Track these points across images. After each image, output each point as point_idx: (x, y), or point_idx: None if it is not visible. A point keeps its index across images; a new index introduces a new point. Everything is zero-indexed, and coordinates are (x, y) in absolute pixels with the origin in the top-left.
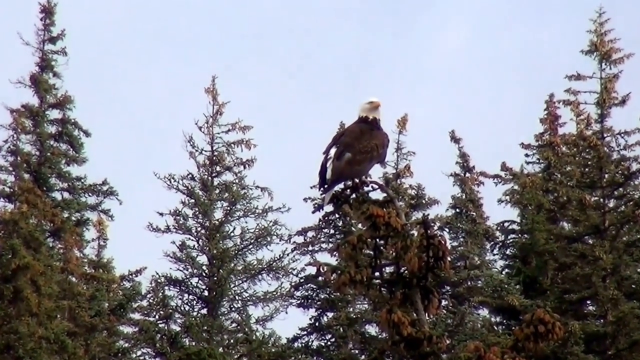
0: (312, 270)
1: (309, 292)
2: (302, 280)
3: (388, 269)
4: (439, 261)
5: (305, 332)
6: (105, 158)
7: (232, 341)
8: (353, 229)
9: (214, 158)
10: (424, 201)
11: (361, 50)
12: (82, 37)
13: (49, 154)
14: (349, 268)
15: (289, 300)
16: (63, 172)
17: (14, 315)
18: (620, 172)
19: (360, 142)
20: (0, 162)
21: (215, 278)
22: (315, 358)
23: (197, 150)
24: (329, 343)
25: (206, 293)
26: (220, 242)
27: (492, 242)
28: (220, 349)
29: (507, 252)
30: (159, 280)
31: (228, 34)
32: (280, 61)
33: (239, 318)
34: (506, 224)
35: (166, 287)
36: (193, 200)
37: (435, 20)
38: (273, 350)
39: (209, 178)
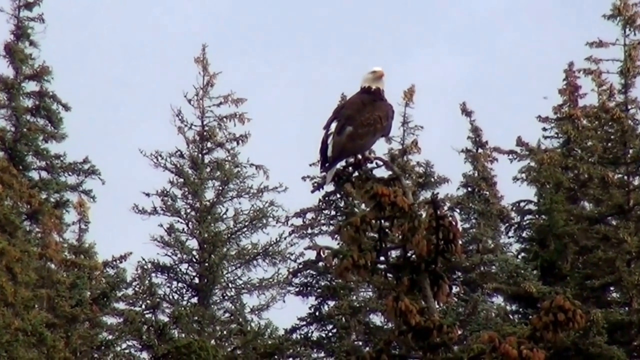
0: (311, 255)
1: (308, 278)
2: (300, 266)
3: (394, 253)
4: (449, 244)
5: (304, 323)
6: (87, 134)
7: (225, 332)
8: (356, 209)
9: (205, 133)
10: (432, 179)
11: (366, 11)
12: (60, 2)
13: (25, 129)
14: (351, 252)
15: (286, 287)
16: (41, 149)
17: None
18: None
19: (362, 115)
20: None
21: (207, 264)
22: (315, 350)
23: (186, 125)
24: (330, 334)
25: (197, 280)
26: (212, 224)
27: (507, 224)
28: (212, 341)
29: (524, 234)
30: (145, 267)
31: None
32: (276, 27)
33: (233, 307)
34: (522, 204)
35: (153, 274)
36: (182, 180)
37: None
38: (269, 342)
39: (199, 155)
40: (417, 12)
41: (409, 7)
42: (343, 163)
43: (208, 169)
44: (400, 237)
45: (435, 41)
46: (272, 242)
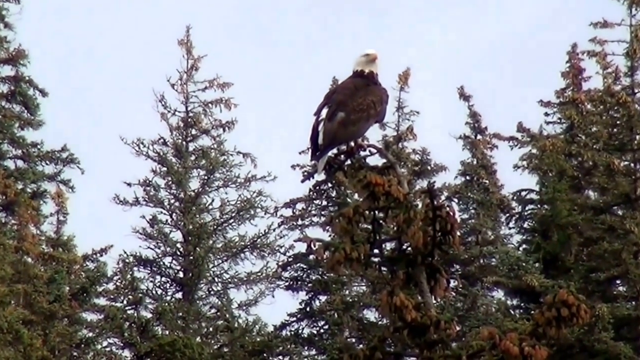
0: (302, 247)
1: (299, 272)
2: (290, 259)
3: (389, 245)
4: (446, 236)
5: (294, 319)
6: (65, 121)
7: (211, 329)
8: (348, 199)
9: (189, 120)
10: (429, 167)
11: None
12: None
13: (0, 116)
14: (344, 244)
15: (275, 282)
16: (16, 137)
17: None
18: None
19: (354, 100)
20: None
21: (192, 257)
22: (306, 348)
23: (169, 111)
24: (321, 330)
25: (181, 274)
26: (197, 216)
27: (508, 214)
28: (198, 339)
29: (525, 225)
30: (127, 260)
31: None
32: (264, 7)
33: (219, 303)
34: (523, 193)
35: (135, 268)
36: (165, 169)
37: None
38: (258, 339)
39: (184, 143)
40: None
41: None
42: (335, 151)
43: (193, 157)
44: (395, 228)
45: (430, 28)
46: (261, 234)
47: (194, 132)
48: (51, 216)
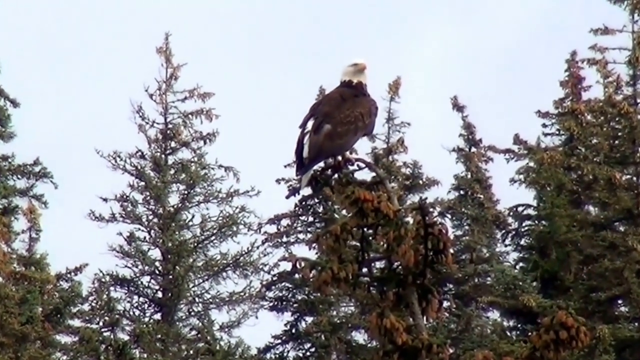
0: (287, 266)
1: (284, 292)
2: (275, 279)
3: (378, 265)
4: (439, 254)
5: (279, 341)
6: (37, 133)
7: (191, 352)
8: (336, 216)
9: (168, 132)
10: (421, 182)
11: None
12: None
13: None
14: (331, 263)
15: (259, 302)
16: None
17: None
18: None
19: (341, 111)
20: None
21: (171, 276)
22: None
23: (147, 123)
24: (308, 353)
25: (160, 294)
26: (177, 232)
27: (504, 231)
28: None
29: (522, 242)
30: (102, 280)
31: None
32: (246, 12)
33: (200, 324)
34: (520, 209)
35: (111, 288)
36: (143, 183)
37: None
38: None
39: (162, 156)
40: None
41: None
42: (321, 165)
43: (172, 171)
44: (384, 246)
45: (422, 35)
46: (244, 252)
47: (173, 144)
48: (23, 233)
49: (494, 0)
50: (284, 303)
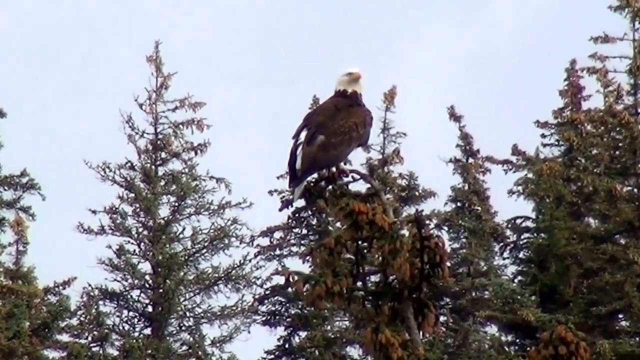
0: (280, 279)
1: (277, 306)
2: (267, 292)
3: (373, 278)
4: (435, 268)
5: (272, 356)
6: (25, 143)
7: None
8: (330, 228)
9: (158, 142)
10: (417, 193)
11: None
12: None
13: None
14: (325, 277)
15: (251, 316)
16: None
17: None
18: None
19: (335, 121)
20: None
21: (161, 290)
22: None
23: (137, 133)
24: None
25: (150, 309)
26: (167, 245)
27: (502, 243)
28: None
29: (520, 255)
30: (91, 294)
31: None
32: (238, 21)
33: (191, 339)
34: (518, 221)
35: (100, 302)
36: (133, 195)
37: None
38: None
39: (153, 167)
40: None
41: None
42: (315, 176)
43: (162, 183)
44: (380, 260)
45: (419, 44)
46: (236, 265)
47: (163, 155)
48: (10, 246)
49: (492, 8)
50: (277, 317)
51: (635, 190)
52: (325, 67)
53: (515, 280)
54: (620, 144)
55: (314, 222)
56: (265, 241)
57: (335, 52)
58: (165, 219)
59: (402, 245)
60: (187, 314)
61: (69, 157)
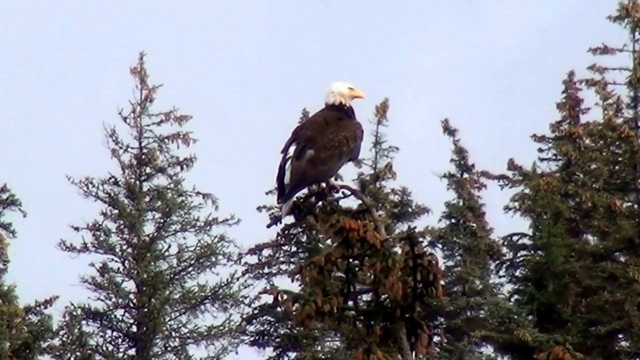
0: (268, 298)
1: (265, 326)
2: (256, 312)
3: (365, 297)
4: (429, 287)
5: None
6: (5, 158)
7: None
8: (320, 246)
9: (143, 157)
10: (410, 209)
11: (334, 20)
12: None
13: None
14: (315, 296)
15: (239, 337)
16: None
17: None
18: None
19: (325, 135)
20: None
21: (146, 309)
22: None
23: (121, 147)
24: None
25: (134, 329)
26: (152, 263)
27: (498, 261)
28: None
29: (517, 273)
30: (74, 313)
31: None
32: (226, 32)
33: None
34: (515, 238)
35: (83, 322)
36: (117, 211)
37: None
38: None
39: (137, 182)
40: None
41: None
42: (304, 192)
43: (147, 199)
44: (371, 278)
45: (411, 56)
46: (223, 284)
47: (148, 170)
48: None
49: (489, 19)
50: (266, 338)
51: (636, 206)
52: (316, 79)
53: (512, 299)
54: (619, 159)
55: (304, 239)
56: (253, 259)
57: (327, 63)
58: (150, 236)
59: (395, 263)
60: (173, 334)
61: (50, 173)
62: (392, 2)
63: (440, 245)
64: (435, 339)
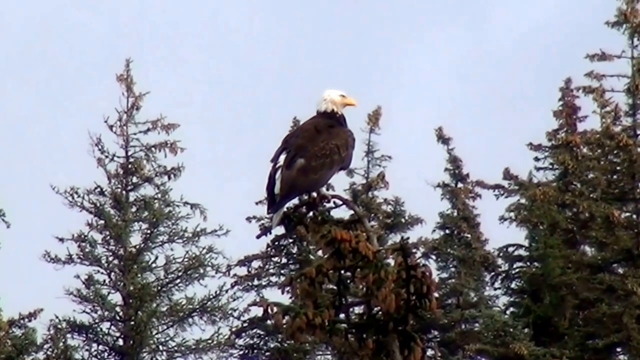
0: (258, 311)
1: (255, 339)
2: (245, 325)
3: (357, 310)
4: (422, 299)
5: None
6: None
7: None
8: (311, 257)
9: (130, 166)
10: (403, 220)
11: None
12: None
13: None
14: (305, 309)
15: (228, 350)
16: None
17: None
18: None
19: (315, 144)
20: None
21: (133, 322)
22: None
23: (107, 157)
24: None
25: (121, 342)
26: (139, 275)
27: (493, 273)
28: None
29: (513, 285)
30: (59, 326)
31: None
32: (214, 38)
33: None
34: (510, 249)
35: (68, 335)
36: (103, 222)
37: None
38: None
39: (123, 192)
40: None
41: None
42: (295, 202)
43: (134, 209)
44: (363, 290)
45: (406, 61)
46: (211, 296)
47: (135, 180)
48: None
49: (484, 26)
50: (255, 351)
51: (634, 216)
52: (307, 86)
53: (507, 312)
54: (618, 168)
55: (294, 250)
56: (242, 271)
57: (318, 70)
58: (137, 247)
59: (387, 275)
60: (160, 347)
61: (35, 182)
62: (383, 10)
63: (434, 257)
64: (429, 352)
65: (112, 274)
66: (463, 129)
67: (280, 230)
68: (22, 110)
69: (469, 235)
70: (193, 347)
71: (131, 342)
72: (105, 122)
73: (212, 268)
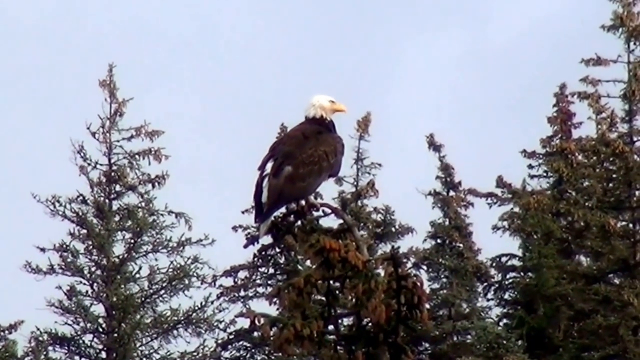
0: (245, 323)
1: (241, 352)
2: (231, 337)
3: (346, 321)
4: (413, 310)
5: None
6: None
7: None
8: (299, 267)
9: (113, 174)
10: (393, 229)
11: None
12: None
13: None
14: (293, 320)
15: None
16: None
17: None
18: None
19: (303, 151)
20: None
21: (116, 334)
22: None
23: (89, 164)
24: None
25: (104, 355)
26: (122, 286)
27: (486, 283)
28: None
29: (506, 296)
30: (40, 338)
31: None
32: (200, 43)
33: None
34: (504, 259)
35: (50, 348)
36: (85, 231)
37: None
38: None
39: (106, 201)
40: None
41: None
42: (283, 210)
43: (117, 218)
44: (353, 301)
45: (397, 67)
46: (196, 307)
47: (118, 188)
48: None
49: (478, 31)
50: None
51: (631, 225)
52: (295, 93)
53: (501, 324)
54: (614, 175)
55: (282, 260)
56: (228, 281)
57: (307, 76)
58: (120, 257)
59: (377, 285)
60: None
61: (15, 190)
62: (375, 16)
63: (425, 267)
64: None
65: (95, 284)
66: (455, 135)
67: (267, 239)
68: (1, 117)
69: (461, 245)
70: (178, 359)
71: (114, 354)
72: (88, 128)
73: (197, 279)
